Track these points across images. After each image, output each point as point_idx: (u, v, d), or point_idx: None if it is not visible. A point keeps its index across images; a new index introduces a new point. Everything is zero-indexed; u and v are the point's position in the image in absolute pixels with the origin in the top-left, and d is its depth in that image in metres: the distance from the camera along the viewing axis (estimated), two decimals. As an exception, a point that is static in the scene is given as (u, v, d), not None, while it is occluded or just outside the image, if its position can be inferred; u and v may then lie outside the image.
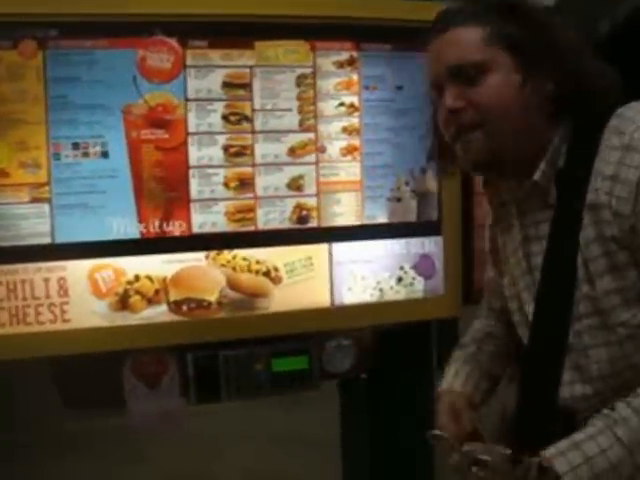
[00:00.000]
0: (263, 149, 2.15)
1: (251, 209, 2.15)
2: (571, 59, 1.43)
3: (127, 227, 2.05)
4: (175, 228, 2.08)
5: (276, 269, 2.18)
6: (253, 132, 2.15)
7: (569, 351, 1.45)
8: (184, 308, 2.10)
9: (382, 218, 2.27)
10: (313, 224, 2.21)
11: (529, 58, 1.42)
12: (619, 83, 1.47)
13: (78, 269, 2.02)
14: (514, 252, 1.59)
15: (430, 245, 2.32)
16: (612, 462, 1.30)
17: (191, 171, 2.09)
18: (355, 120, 2.24)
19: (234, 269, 2.14)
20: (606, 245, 1.38)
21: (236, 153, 2.13)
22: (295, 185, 2.18)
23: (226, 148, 2.12)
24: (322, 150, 2.21)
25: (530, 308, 1.54)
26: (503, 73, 1.43)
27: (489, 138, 1.45)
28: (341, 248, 2.24)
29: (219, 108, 2.11)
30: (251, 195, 2.15)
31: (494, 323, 1.82)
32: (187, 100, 2.09)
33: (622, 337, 1.40)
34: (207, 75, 2.10)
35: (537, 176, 1.46)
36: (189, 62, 2.08)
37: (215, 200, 2.12)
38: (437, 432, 1.58)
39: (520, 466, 1.35)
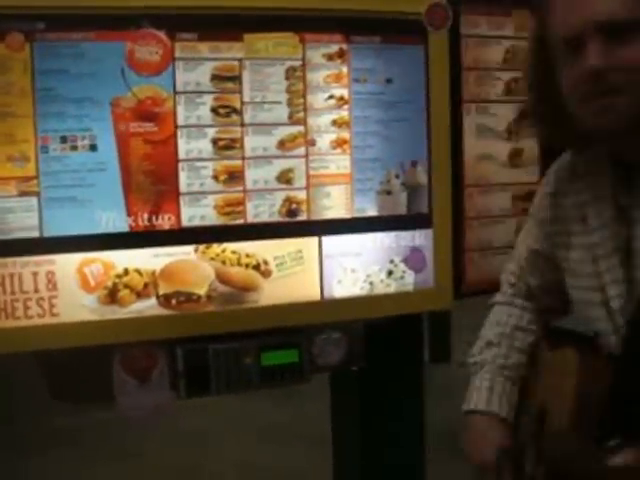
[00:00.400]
0: (252, 142, 2.15)
1: (240, 202, 2.14)
2: None
3: (116, 221, 2.04)
4: (164, 221, 2.08)
5: (266, 262, 2.17)
6: (242, 125, 2.14)
7: None
8: (173, 302, 2.09)
9: (372, 211, 2.27)
10: (303, 217, 2.20)
11: None
12: None
13: (67, 263, 2.01)
14: (600, 228, 1.45)
15: (420, 238, 2.32)
16: None
17: (180, 164, 2.09)
18: (345, 113, 2.23)
19: (223, 262, 2.13)
20: None
21: (225, 146, 2.12)
22: (285, 178, 2.18)
23: (215, 141, 2.11)
24: (312, 143, 2.20)
25: (615, 290, 1.42)
26: None
27: (633, 105, 1.29)
28: (331, 241, 2.23)
29: (208, 101, 2.11)
30: (240, 188, 2.14)
31: (520, 312, 1.69)
32: (176, 93, 2.08)
33: None
34: (196, 68, 2.09)
35: None
36: (178, 55, 2.07)
37: (204, 193, 2.11)
38: None
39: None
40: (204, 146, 2.10)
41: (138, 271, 2.06)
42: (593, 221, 1.47)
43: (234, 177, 2.13)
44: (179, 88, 2.08)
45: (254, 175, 2.15)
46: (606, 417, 1.37)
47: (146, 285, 2.07)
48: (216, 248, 2.13)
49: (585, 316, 1.51)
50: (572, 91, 1.35)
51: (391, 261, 2.29)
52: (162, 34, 2.05)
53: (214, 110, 2.11)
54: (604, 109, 1.31)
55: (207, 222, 2.12)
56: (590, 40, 1.29)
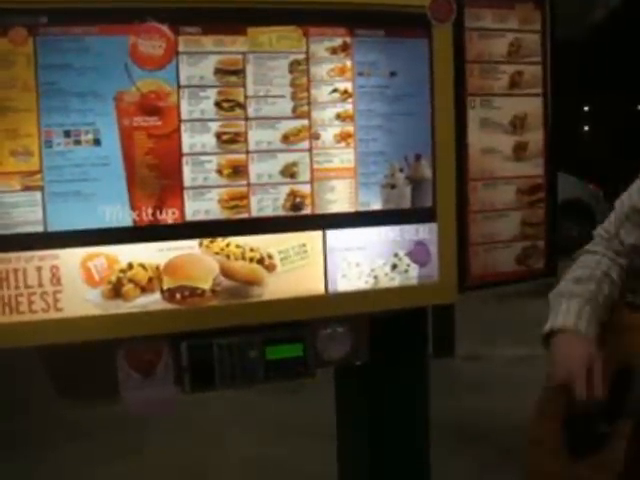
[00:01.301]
0: (256, 136, 2.14)
1: (244, 196, 2.14)
2: None
3: (120, 215, 2.03)
4: (168, 216, 2.07)
5: (270, 256, 2.17)
6: (246, 119, 2.13)
7: None
8: (178, 296, 2.09)
9: (376, 205, 2.26)
10: (307, 211, 2.20)
11: None
12: None
13: (71, 257, 2.01)
14: None
15: (425, 232, 2.31)
16: None
17: (184, 158, 2.08)
18: (349, 106, 2.23)
19: (228, 257, 2.13)
20: None
21: (229, 140, 2.12)
22: (289, 172, 2.17)
23: (219, 135, 2.11)
24: (316, 137, 2.20)
25: None
26: None
27: None
28: (335, 235, 2.23)
29: (212, 95, 2.10)
30: (244, 182, 2.14)
31: (610, 264, 1.71)
32: (179, 87, 2.07)
33: None
34: (200, 62, 2.09)
35: None
36: (181, 49, 2.07)
37: (208, 187, 2.11)
38: None
39: None
40: (208, 140, 2.10)
41: (142, 265, 2.06)
42: None
43: (238, 171, 2.13)
44: (183, 82, 2.07)
45: (258, 169, 2.15)
46: None
47: (150, 279, 2.07)
48: (220, 242, 2.13)
49: None
50: None
51: (395, 255, 2.29)
52: (165, 28, 2.05)
53: (218, 104, 2.11)
54: None
55: (211, 216, 2.11)
56: None
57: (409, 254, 2.30)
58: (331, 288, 2.24)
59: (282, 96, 2.16)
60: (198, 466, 4.09)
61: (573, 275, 1.72)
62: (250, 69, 2.13)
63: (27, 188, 1.97)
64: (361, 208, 2.25)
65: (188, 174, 2.09)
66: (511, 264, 2.50)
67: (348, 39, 2.21)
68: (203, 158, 2.10)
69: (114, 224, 2.03)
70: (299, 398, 4.55)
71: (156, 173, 2.06)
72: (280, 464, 4.01)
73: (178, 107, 2.07)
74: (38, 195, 1.97)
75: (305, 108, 2.18)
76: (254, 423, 4.61)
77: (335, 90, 2.21)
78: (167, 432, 4.47)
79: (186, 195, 2.09)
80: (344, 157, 2.23)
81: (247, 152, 2.14)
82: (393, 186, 2.27)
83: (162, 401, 2.18)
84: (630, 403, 1.43)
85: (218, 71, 2.10)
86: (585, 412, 1.47)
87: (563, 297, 1.68)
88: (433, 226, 2.32)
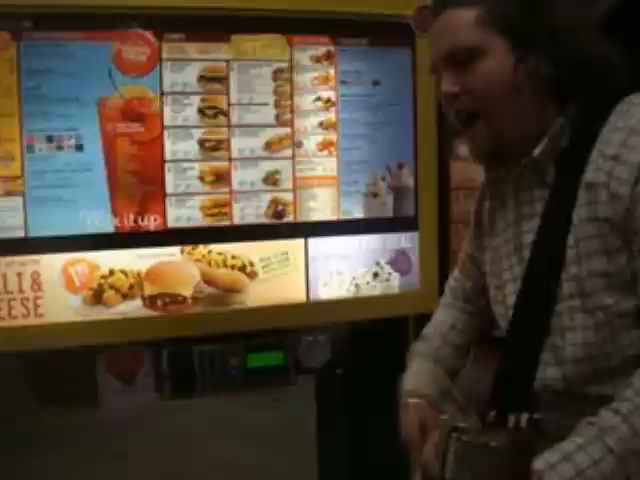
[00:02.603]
0: (239, 143, 2.15)
1: (227, 204, 2.14)
2: (569, 38, 1.38)
3: (101, 221, 2.03)
4: (150, 222, 2.07)
5: (252, 264, 2.17)
6: (229, 126, 2.14)
7: (548, 331, 1.42)
8: (159, 303, 2.09)
9: (358, 213, 2.27)
10: (289, 219, 2.20)
11: (523, 39, 1.38)
12: (625, 62, 1.42)
13: (52, 263, 2.00)
14: (504, 230, 1.55)
15: (406, 240, 2.32)
16: (604, 473, 1.25)
17: (166, 165, 2.08)
18: (332, 115, 2.23)
19: (209, 264, 2.13)
20: (599, 226, 1.34)
21: (212, 147, 2.12)
22: (271, 180, 2.18)
23: (202, 142, 2.11)
24: (298, 145, 2.20)
25: (511, 288, 1.51)
26: (497, 56, 1.40)
27: (491, 127, 1.42)
28: (317, 243, 2.23)
29: (195, 102, 2.10)
30: (227, 190, 2.14)
31: (458, 314, 1.78)
32: (163, 94, 2.07)
33: (600, 322, 1.37)
34: (183, 68, 2.09)
35: (537, 152, 1.42)
36: (165, 55, 2.07)
37: (190, 194, 2.11)
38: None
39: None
40: (191, 147, 2.10)
41: (123, 272, 2.06)
42: (499, 224, 1.57)
43: (220, 178, 2.13)
44: (166, 89, 2.08)
45: (240, 176, 2.15)
46: (492, 396, 1.50)
47: (131, 286, 2.06)
48: (202, 249, 2.12)
49: (494, 314, 1.60)
50: (447, 115, 1.50)
51: (377, 263, 2.29)
52: (149, 34, 2.05)
53: (201, 111, 2.11)
54: (472, 134, 1.45)
55: (193, 223, 2.11)
56: (443, 69, 1.45)
57: (391, 263, 2.31)
58: (313, 296, 2.24)
59: (265, 104, 2.17)
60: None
61: (423, 332, 1.81)
62: (234, 76, 2.13)
63: (8, 193, 1.96)
64: (343, 216, 2.26)
65: (170, 181, 2.08)
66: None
67: (332, 48, 2.22)
68: (185, 165, 2.10)
69: (96, 230, 2.03)
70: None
71: (138, 179, 2.05)
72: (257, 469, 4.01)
73: (161, 114, 2.07)
74: (19, 200, 1.97)
75: (288, 116, 2.19)
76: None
77: (318, 98, 2.22)
78: (145, 439, 4.45)
79: (168, 202, 2.09)
80: (327, 165, 2.23)
81: (230, 159, 2.14)
82: (375, 195, 2.28)
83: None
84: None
85: (202, 78, 2.11)
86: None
87: (412, 356, 1.76)
88: (415, 235, 2.33)
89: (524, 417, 1.35)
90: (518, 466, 1.28)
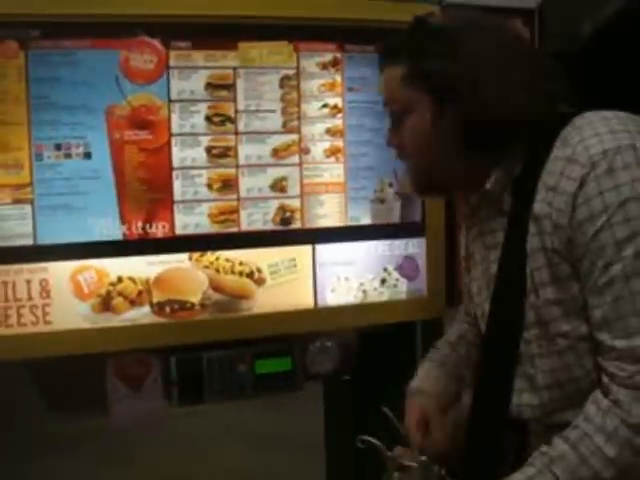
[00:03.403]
0: (246, 150, 2.15)
1: (234, 210, 2.15)
2: (488, 88, 1.38)
3: (110, 228, 2.04)
4: (158, 229, 2.08)
5: (259, 270, 2.17)
6: (236, 133, 2.14)
7: (520, 359, 1.45)
8: (167, 310, 2.09)
9: (365, 219, 2.27)
10: (296, 225, 2.21)
11: (443, 93, 1.42)
12: (567, 88, 1.45)
13: (60, 271, 2.01)
14: (481, 260, 1.58)
15: (413, 246, 2.32)
16: None
17: (174, 172, 2.09)
18: (339, 121, 2.24)
19: (217, 270, 2.14)
20: (548, 256, 1.37)
21: (219, 154, 2.13)
22: (278, 186, 2.18)
23: (209, 149, 2.12)
24: (306, 151, 2.21)
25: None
26: (419, 112, 1.46)
27: (419, 170, 1.53)
28: (324, 249, 2.24)
29: (202, 109, 2.11)
30: (234, 196, 2.15)
31: (468, 327, 1.82)
32: (170, 101, 2.08)
33: (562, 348, 1.39)
34: (190, 76, 2.10)
35: (489, 184, 1.45)
36: (172, 63, 2.08)
37: (198, 201, 2.11)
38: (369, 439, 1.70)
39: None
40: (198, 154, 2.11)
41: (132, 279, 2.06)
42: (476, 256, 1.61)
43: (228, 185, 2.14)
44: (173, 96, 2.08)
45: (248, 183, 2.16)
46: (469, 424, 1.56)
47: (140, 293, 2.07)
48: (210, 256, 2.13)
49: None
50: None
51: (384, 269, 2.30)
52: (157, 42, 2.06)
53: (208, 118, 2.12)
54: (408, 172, 1.57)
55: (201, 230, 2.12)
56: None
57: (398, 268, 2.31)
58: (320, 302, 2.25)
59: (272, 111, 2.17)
60: None
61: (435, 343, 1.86)
62: (241, 84, 2.14)
63: (17, 201, 1.97)
64: (350, 223, 2.26)
65: (178, 188, 2.09)
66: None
67: (338, 54, 2.23)
68: (193, 172, 2.10)
69: (104, 237, 2.03)
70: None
71: (146, 187, 2.06)
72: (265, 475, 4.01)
73: (169, 121, 2.08)
74: (28, 208, 1.98)
75: (295, 123, 2.19)
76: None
77: (325, 105, 2.22)
78: (153, 445, 4.45)
79: (176, 209, 2.09)
80: (334, 172, 2.24)
81: (237, 166, 2.14)
82: (382, 201, 2.28)
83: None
84: None
85: (209, 86, 2.11)
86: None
87: (423, 362, 1.82)
88: (422, 241, 2.33)
89: None
90: None
